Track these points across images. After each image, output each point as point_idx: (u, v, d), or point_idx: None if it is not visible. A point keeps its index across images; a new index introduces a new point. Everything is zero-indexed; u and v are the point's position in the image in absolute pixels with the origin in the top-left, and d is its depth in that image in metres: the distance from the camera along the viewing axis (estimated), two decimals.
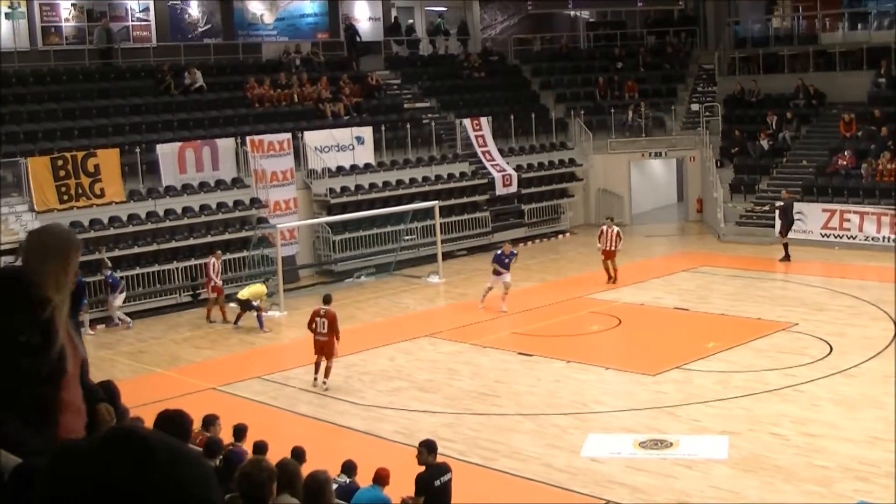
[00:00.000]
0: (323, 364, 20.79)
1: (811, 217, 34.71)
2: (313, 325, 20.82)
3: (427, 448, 12.47)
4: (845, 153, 36.68)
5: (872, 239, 33.33)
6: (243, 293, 26.27)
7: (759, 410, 18.42)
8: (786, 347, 22.38)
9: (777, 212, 33.57)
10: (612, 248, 30.30)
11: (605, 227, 30.83)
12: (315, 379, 20.97)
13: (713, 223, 38.22)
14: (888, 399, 18.60)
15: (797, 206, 34.42)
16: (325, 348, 20.68)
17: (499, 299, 26.99)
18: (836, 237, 34.24)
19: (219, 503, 2.51)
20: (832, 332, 23.39)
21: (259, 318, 25.90)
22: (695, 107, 43.26)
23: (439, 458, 12.86)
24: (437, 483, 12.10)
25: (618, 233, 30.47)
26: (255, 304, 25.88)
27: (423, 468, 12.32)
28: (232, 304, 27.03)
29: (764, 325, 24.26)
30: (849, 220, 33.96)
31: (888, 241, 32.73)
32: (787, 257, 32.15)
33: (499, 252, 27.63)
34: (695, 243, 37.79)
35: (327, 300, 21.37)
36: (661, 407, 18.85)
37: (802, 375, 20.37)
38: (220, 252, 28.15)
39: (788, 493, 14.86)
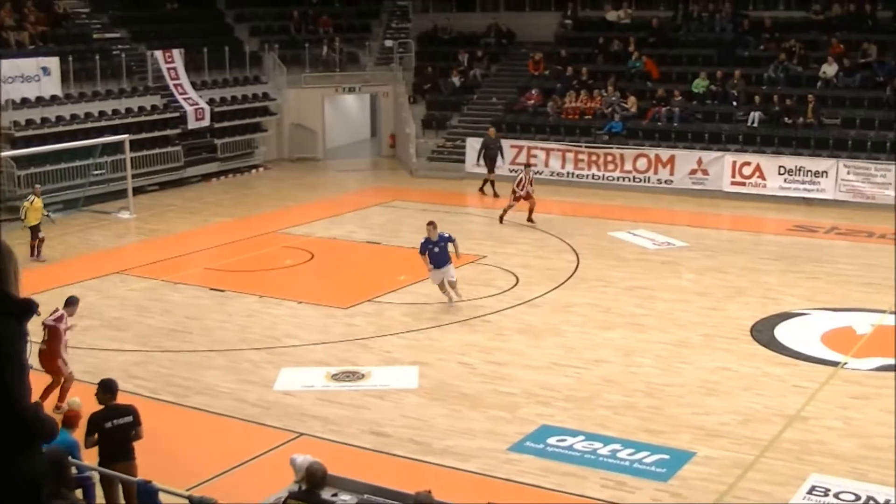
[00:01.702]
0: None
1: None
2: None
3: (103, 388, 12.16)
4: (533, 91, 37.98)
5: (557, 174, 34.75)
6: None
7: (448, 341, 18.99)
8: (474, 279, 23.07)
9: (481, 150, 33.92)
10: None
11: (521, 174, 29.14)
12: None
13: (405, 158, 38.81)
14: (567, 328, 19.63)
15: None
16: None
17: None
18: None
19: None
20: (518, 265, 24.32)
21: None
22: (389, 43, 43.59)
23: (129, 399, 12.61)
24: (109, 425, 11.80)
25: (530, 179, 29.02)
26: None
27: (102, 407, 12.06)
28: None
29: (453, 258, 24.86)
30: (536, 156, 35.18)
31: (572, 176, 34.23)
32: (494, 194, 32.60)
33: (423, 241, 21.30)
34: (387, 178, 38.32)
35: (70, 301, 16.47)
36: (353, 339, 19.11)
37: (489, 306, 21.11)
38: None
39: (475, 418, 15.41)
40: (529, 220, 28.68)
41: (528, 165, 30.77)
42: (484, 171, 33.44)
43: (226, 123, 38.57)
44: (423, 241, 21.13)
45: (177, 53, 37.68)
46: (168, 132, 36.26)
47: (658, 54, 38.21)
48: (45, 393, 15.30)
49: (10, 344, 4.52)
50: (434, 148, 38.22)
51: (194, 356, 18.26)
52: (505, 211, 28.82)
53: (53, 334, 15.55)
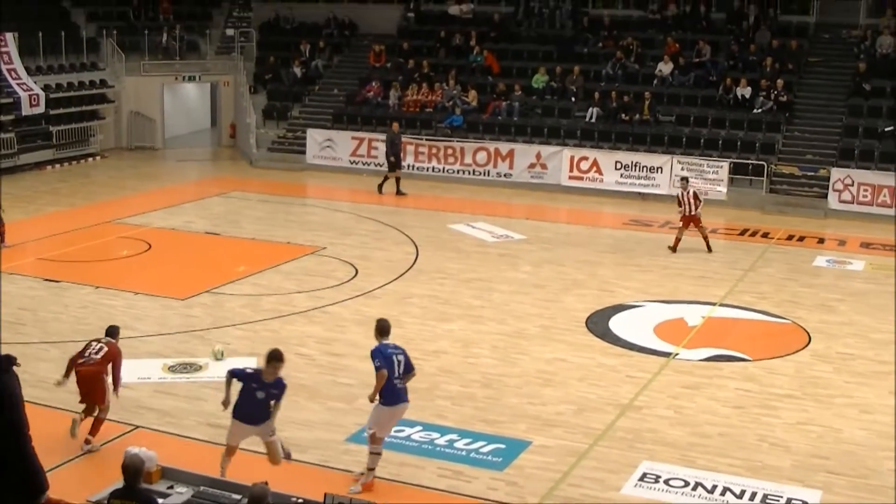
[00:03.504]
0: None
1: (341, 144, 35.80)
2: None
3: None
4: (374, 83, 38.01)
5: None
6: None
7: (286, 332, 18.90)
8: (313, 270, 23.05)
9: (385, 146, 33.29)
10: (694, 212, 25.72)
11: (680, 191, 26.24)
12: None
13: (245, 148, 38.48)
14: (406, 319, 19.73)
15: (329, 133, 35.47)
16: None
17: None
18: (364, 164, 35.47)
19: None
20: (358, 256, 24.34)
21: None
22: (230, 32, 43.14)
23: None
24: None
25: (695, 193, 26.01)
26: None
27: None
28: None
29: (293, 249, 24.82)
30: (376, 149, 35.20)
31: (413, 168, 34.37)
32: (398, 192, 32.10)
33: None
34: (227, 168, 37.96)
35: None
36: (191, 331, 18.88)
37: (329, 297, 21.09)
38: None
39: (313, 409, 15.41)
40: (708, 249, 25.95)
41: (685, 179, 27.13)
42: (326, 162, 33.29)
43: (61, 110, 37.56)
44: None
45: (10, 37, 36.50)
46: (1, 118, 35.18)
47: (499, 49, 38.61)
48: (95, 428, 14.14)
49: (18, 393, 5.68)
50: (275, 139, 37.95)
51: (27, 348, 17.77)
52: (677, 241, 25.89)
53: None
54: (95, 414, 14.11)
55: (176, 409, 15.32)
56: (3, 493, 6.28)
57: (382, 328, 13.13)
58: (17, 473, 7.07)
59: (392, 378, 12.71)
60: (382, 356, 12.74)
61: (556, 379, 16.97)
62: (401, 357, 12.89)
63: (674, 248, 25.77)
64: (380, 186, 32.46)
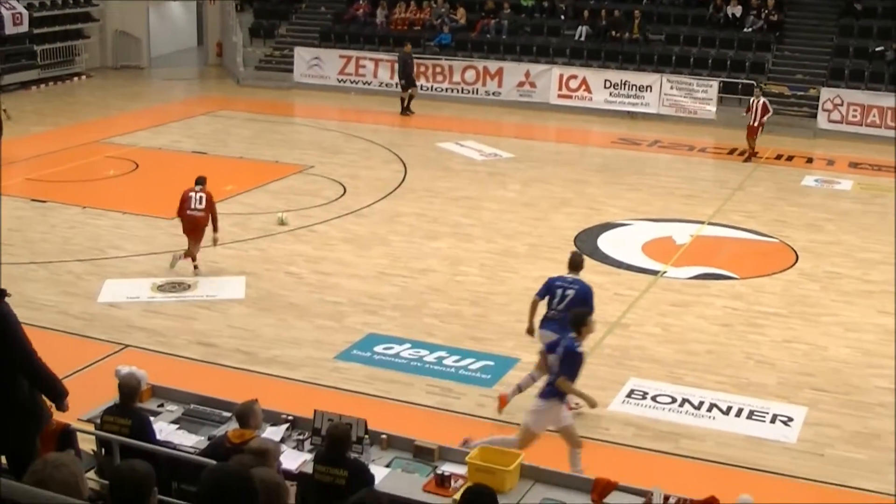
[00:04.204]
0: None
1: (328, 63, 35.56)
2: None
3: None
4: (361, 1, 37.65)
5: (386, 85, 34.64)
6: None
7: (275, 251, 18.90)
8: (301, 189, 23.00)
9: (398, 66, 32.96)
10: (755, 123, 27.11)
11: (752, 99, 27.58)
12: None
13: (232, 67, 38.19)
14: (394, 237, 19.79)
15: (317, 51, 35.22)
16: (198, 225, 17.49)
17: None
18: (352, 83, 35.29)
19: None
20: (346, 175, 24.28)
21: None
22: None
23: None
24: None
25: (764, 104, 27.09)
26: None
27: None
28: None
29: (280, 168, 24.73)
30: (364, 67, 35.04)
31: (399, 87, 34.18)
32: (407, 110, 32.11)
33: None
34: (214, 87, 37.73)
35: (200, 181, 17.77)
36: (178, 250, 18.81)
37: (316, 216, 21.06)
38: None
39: (302, 328, 15.45)
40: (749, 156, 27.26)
41: (759, 87, 29.00)
42: (312, 80, 33.08)
43: (45, 29, 37.16)
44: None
45: None
46: None
47: None
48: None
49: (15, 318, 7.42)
50: (261, 57, 37.66)
51: (16, 269, 17.76)
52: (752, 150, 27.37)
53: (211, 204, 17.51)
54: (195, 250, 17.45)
55: (165, 328, 15.34)
56: (34, 397, 7.99)
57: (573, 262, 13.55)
58: (40, 379, 8.36)
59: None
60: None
61: None
62: (569, 292, 13.02)
63: (747, 158, 27.15)
64: (404, 109, 32.20)
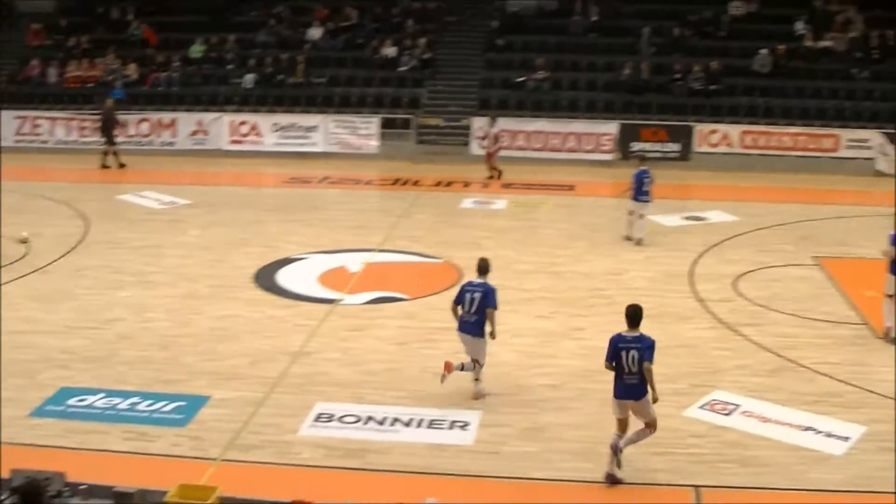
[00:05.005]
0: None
1: (5, 124, 35.21)
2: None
3: None
4: (34, 62, 37.50)
5: (64, 142, 34.86)
6: None
7: None
8: None
9: (101, 122, 32.94)
10: (492, 150, 30.84)
11: (488, 129, 31.01)
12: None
13: None
14: (80, 290, 20.05)
15: None
16: None
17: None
18: (29, 142, 35.12)
19: None
20: (29, 234, 23.33)
21: None
22: None
23: None
24: None
25: (497, 133, 30.95)
26: None
27: None
28: None
29: None
30: (41, 126, 35.00)
31: (79, 143, 34.38)
32: (120, 165, 32.45)
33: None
34: None
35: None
36: None
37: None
38: None
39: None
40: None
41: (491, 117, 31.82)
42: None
43: None
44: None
45: None
46: None
47: (157, 22, 39.03)
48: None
49: None
50: None
51: None
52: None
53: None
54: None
55: None
56: None
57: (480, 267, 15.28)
58: None
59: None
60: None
61: (229, 334, 17.67)
62: (476, 294, 14.90)
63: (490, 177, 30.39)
64: (111, 164, 32.56)
